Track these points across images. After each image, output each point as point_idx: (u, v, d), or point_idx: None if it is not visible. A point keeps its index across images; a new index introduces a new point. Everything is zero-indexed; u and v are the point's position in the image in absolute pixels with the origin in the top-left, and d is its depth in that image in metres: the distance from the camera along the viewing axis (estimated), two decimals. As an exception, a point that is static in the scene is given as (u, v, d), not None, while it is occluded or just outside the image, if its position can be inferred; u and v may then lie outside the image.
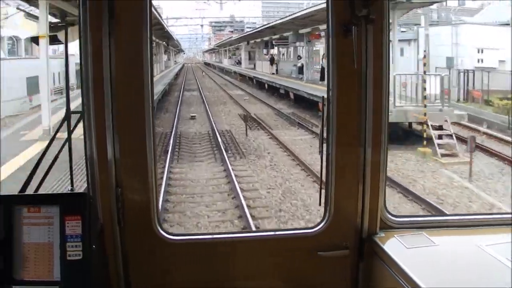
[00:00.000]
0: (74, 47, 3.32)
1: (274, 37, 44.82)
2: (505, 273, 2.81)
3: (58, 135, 3.48)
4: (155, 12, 29.49)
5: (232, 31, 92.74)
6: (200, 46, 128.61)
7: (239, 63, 66.55)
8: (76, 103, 3.67)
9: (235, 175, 14.44)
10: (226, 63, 79.37)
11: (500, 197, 12.93)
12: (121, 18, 3.05)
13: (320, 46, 38.21)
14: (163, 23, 42.70)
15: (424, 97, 18.34)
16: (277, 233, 3.72)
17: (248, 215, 11.34)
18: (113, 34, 3.04)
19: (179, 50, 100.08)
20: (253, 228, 10.69)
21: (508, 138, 18.40)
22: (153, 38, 3.05)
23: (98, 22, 3.00)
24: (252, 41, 55.43)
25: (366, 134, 3.27)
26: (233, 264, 3.39)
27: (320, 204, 3.48)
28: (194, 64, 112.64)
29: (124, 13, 3.06)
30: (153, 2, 3.11)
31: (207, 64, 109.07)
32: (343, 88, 3.26)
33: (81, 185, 4.02)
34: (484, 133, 20.05)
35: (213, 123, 23.99)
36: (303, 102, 27.64)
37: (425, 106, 18.07)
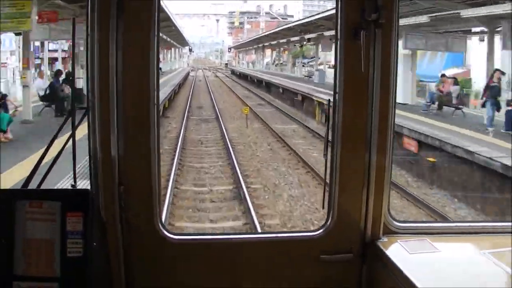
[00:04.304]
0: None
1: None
2: (508, 281, 2.80)
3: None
4: None
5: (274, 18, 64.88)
6: (213, 45, 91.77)
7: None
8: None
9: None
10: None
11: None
12: (129, 15, 3.04)
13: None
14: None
15: None
16: (280, 235, 3.72)
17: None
18: (120, 31, 3.03)
19: (179, 41, 56.81)
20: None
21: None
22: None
23: (106, 18, 3.00)
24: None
25: (371, 138, 3.25)
26: (235, 266, 3.38)
27: (323, 207, 3.47)
28: (210, 74, 65.91)
29: (132, 10, 3.05)
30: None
31: (241, 77, 56.07)
32: (350, 91, 3.25)
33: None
34: None
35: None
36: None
37: None
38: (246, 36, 70.28)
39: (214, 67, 79.79)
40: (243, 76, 55.82)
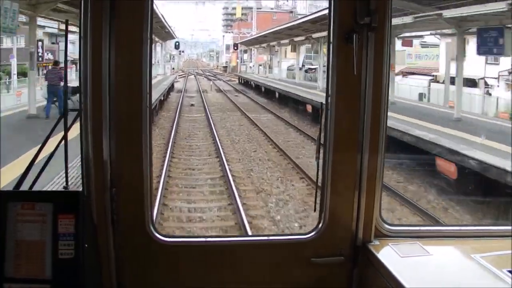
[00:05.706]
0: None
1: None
2: (499, 285, 2.81)
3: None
4: None
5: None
6: (207, 44, 76.70)
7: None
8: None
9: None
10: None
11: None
12: (122, 18, 3.04)
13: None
14: None
15: None
16: (271, 238, 3.72)
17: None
18: (113, 33, 3.03)
19: (159, 33, 37.52)
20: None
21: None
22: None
23: (99, 21, 3.00)
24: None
25: (363, 142, 3.26)
26: (225, 269, 3.37)
27: (315, 210, 3.47)
28: (208, 86, 44.63)
29: (125, 13, 3.05)
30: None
31: (272, 99, 32.96)
32: (342, 94, 3.26)
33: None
34: None
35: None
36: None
37: None
38: (255, 31, 51.22)
39: (209, 71, 63.32)
40: (282, 99, 31.27)
